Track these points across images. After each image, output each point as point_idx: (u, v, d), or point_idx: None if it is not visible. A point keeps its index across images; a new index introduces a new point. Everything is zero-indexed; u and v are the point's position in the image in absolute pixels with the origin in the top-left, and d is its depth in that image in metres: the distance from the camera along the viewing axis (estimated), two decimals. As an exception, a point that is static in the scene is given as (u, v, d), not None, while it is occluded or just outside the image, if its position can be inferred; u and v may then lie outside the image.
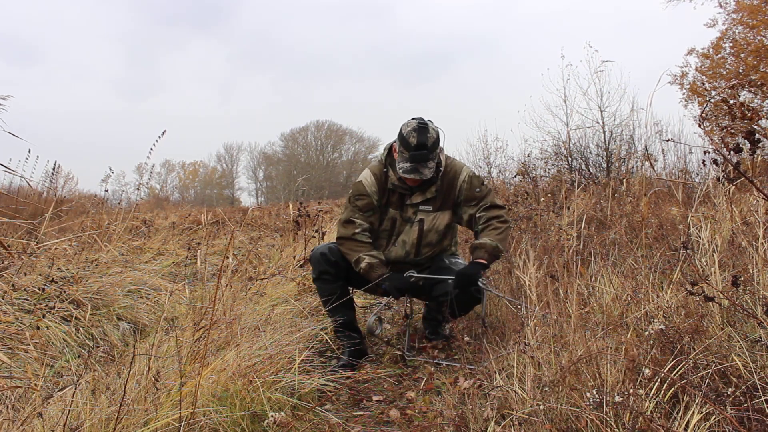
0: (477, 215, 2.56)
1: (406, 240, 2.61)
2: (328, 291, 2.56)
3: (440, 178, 2.57)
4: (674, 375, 1.44)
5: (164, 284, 3.61)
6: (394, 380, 2.34)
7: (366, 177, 2.60)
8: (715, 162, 1.98)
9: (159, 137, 4.28)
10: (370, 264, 2.48)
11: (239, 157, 46.66)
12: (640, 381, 1.46)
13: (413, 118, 2.46)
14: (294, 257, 4.25)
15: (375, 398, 2.16)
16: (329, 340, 2.67)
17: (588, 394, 1.42)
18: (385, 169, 2.59)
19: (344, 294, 2.58)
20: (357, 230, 2.53)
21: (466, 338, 2.38)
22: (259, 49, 77.74)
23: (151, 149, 4.37)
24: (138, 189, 5.40)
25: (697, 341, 1.60)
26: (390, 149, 2.58)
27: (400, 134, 2.44)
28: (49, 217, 3.23)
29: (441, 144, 2.52)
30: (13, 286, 2.70)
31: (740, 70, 11.91)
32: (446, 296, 2.45)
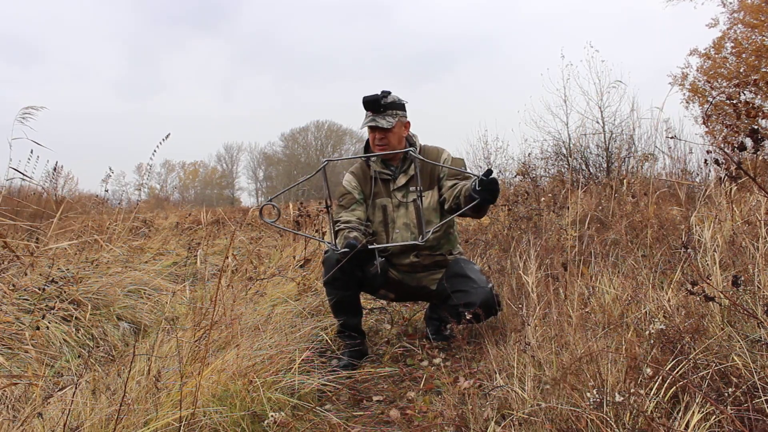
0: (461, 185, 2.51)
1: (408, 222, 2.67)
2: (337, 296, 2.58)
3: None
4: (675, 375, 1.44)
5: (165, 284, 3.60)
6: (393, 380, 2.34)
7: (346, 177, 2.83)
8: (716, 162, 1.98)
9: (163, 140, 4.23)
10: (344, 237, 2.57)
11: (239, 157, 46.69)
12: (641, 381, 1.46)
13: None
14: (294, 257, 4.26)
15: (375, 398, 2.16)
16: (329, 341, 2.67)
17: (588, 394, 1.42)
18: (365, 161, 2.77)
19: (354, 300, 2.63)
20: (341, 226, 2.66)
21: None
22: (260, 49, 77.86)
23: (155, 151, 4.33)
24: (139, 189, 5.38)
25: (698, 341, 1.60)
26: (366, 142, 2.78)
27: None
28: (52, 218, 3.23)
29: (404, 114, 2.67)
30: (13, 286, 2.70)
31: (741, 70, 11.89)
32: (469, 306, 2.41)
